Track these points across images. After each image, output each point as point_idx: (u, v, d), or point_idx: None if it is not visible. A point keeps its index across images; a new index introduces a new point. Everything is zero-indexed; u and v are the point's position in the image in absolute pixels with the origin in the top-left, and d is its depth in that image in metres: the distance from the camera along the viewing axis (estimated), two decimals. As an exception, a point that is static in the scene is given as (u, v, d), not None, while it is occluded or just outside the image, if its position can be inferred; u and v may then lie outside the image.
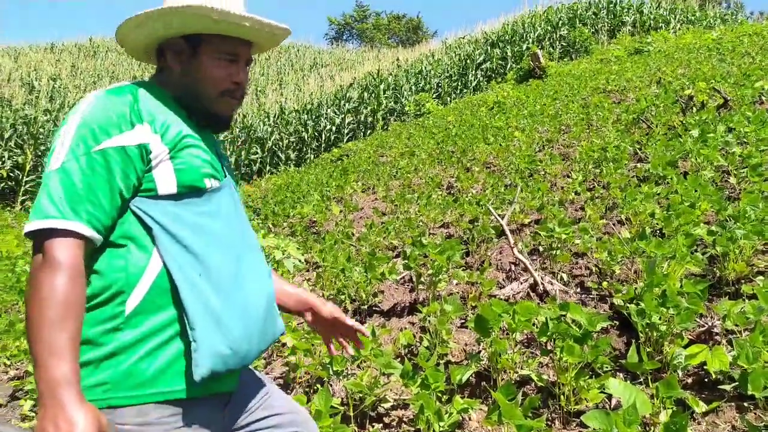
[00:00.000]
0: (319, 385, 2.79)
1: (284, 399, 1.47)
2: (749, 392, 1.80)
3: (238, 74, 1.32)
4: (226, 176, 1.35)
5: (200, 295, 1.18)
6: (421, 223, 5.55)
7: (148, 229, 1.18)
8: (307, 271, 4.95)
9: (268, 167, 19.27)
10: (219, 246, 1.24)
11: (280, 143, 19.70)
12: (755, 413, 2.05)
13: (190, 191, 1.22)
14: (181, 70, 1.30)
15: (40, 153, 16.97)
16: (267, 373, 3.19)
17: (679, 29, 19.52)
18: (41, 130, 17.29)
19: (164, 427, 1.14)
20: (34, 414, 3.39)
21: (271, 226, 7.53)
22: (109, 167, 1.13)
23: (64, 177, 1.10)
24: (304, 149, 19.84)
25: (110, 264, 1.15)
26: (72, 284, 1.06)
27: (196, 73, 1.29)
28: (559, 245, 3.85)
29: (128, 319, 1.13)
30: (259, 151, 19.40)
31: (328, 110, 20.56)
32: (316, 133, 20.02)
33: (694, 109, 6.98)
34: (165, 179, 1.19)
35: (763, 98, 6.65)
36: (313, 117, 20.42)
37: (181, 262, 1.18)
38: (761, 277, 2.91)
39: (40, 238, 1.08)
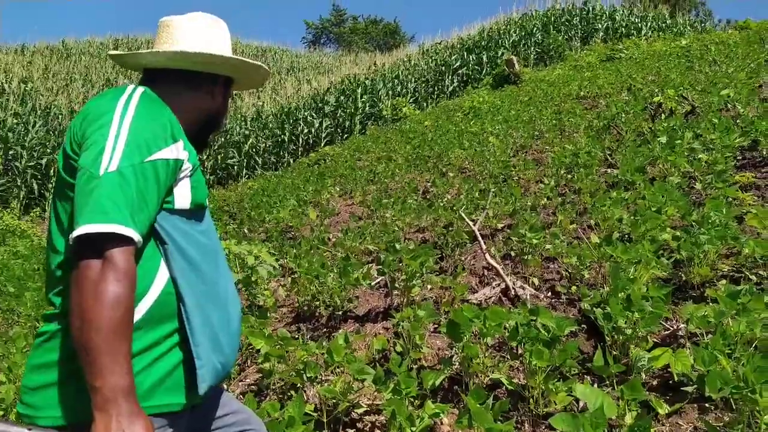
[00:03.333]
0: (293, 392, 2.80)
1: (234, 399, 1.54)
2: (707, 393, 1.87)
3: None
4: None
5: (203, 311, 1.21)
6: (396, 228, 5.58)
7: (161, 243, 1.19)
8: (282, 276, 4.95)
9: (244, 171, 19.15)
10: (213, 264, 1.28)
11: (257, 147, 19.60)
12: (715, 414, 2.12)
13: (196, 209, 1.27)
14: (217, 102, 1.45)
15: (10, 157, 16.63)
16: (241, 381, 3.19)
17: (651, 36, 19.94)
18: (11, 134, 16.94)
19: None
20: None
21: (246, 231, 7.50)
22: (158, 178, 1.15)
23: (123, 182, 1.09)
24: (282, 153, 19.77)
25: None
26: (132, 293, 1.07)
27: (222, 108, 1.47)
28: (530, 250, 3.92)
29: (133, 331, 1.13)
30: (236, 155, 19.28)
31: (306, 114, 20.53)
32: (293, 137, 19.97)
33: (663, 115, 7.15)
34: (182, 195, 1.23)
35: (728, 106, 6.84)
36: (291, 120, 20.38)
37: (189, 279, 1.21)
38: (724, 281, 3.00)
39: (98, 241, 1.05)
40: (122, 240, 1.07)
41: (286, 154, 19.62)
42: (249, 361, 3.38)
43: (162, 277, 1.19)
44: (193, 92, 1.41)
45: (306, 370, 2.61)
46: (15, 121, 17.75)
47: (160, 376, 1.17)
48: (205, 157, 18.85)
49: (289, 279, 4.53)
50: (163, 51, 1.34)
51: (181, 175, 1.23)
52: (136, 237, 1.09)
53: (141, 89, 1.25)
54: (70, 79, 26.44)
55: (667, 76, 10.15)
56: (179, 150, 1.21)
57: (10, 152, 16.67)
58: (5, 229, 12.27)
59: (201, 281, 1.23)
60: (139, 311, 1.15)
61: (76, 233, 1.05)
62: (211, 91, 1.43)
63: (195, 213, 1.28)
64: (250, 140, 19.54)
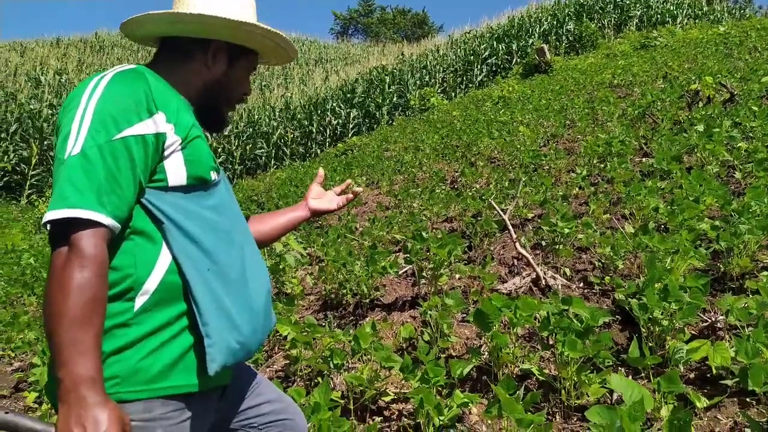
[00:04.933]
0: (319, 378, 2.79)
1: (272, 387, 1.50)
2: (750, 387, 1.79)
3: (249, 87, 1.43)
4: (220, 169, 1.35)
5: (212, 291, 1.17)
6: (424, 218, 5.54)
7: (158, 223, 1.15)
8: (310, 264, 4.95)
9: (273, 162, 19.29)
10: (226, 241, 1.23)
11: (285, 138, 19.70)
12: (757, 409, 2.03)
13: (197, 184, 1.20)
14: (217, 71, 1.34)
15: (45, 147, 17.04)
16: (268, 366, 3.20)
17: (686, 24, 19.37)
18: (45, 124, 17.35)
19: (168, 422, 1.13)
20: (37, 406, 3.41)
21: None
22: (131, 156, 1.09)
23: (86, 165, 1.04)
24: (310, 143, 19.85)
25: (119, 259, 1.12)
26: (99, 279, 1.03)
27: (229, 80, 1.36)
28: (562, 240, 3.83)
29: (137, 315, 1.11)
30: (264, 145, 19.43)
31: (334, 104, 20.55)
32: (321, 128, 20.03)
33: (700, 103, 6.93)
34: (176, 170, 1.17)
35: (770, 93, 6.59)
36: (319, 111, 20.43)
37: (192, 258, 1.16)
38: (765, 273, 2.89)
39: (64, 228, 1.03)
40: (88, 224, 1.03)
41: (313, 145, 19.70)
42: (276, 348, 3.38)
43: (165, 257, 1.15)
44: (186, 63, 1.31)
45: (332, 357, 2.60)
46: (50, 112, 18.16)
47: (174, 357, 1.14)
48: (234, 147, 19.05)
49: (317, 267, 4.52)
50: (150, 14, 1.25)
51: (169, 149, 1.16)
52: (106, 220, 1.04)
53: (118, 69, 1.19)
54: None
55: (704, 64, 9.84)
56: (159, 123, 1.13)
57: (45, 143, 17.07)
58: (42, 218, 12.59)
59: (207, 258, 1.18)
60: (146, 293, 1.12)
61: (43, 221, 1.04)
62: (205, 59, 1.32)
63: (197, 188, 1.21)
64: (279, 131, 19.66)
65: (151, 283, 1.13)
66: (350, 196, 1.75)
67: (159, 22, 1.28)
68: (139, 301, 1.12)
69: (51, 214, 1.02)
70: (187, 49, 1.31)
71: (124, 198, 1.08)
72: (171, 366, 1.13)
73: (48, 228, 1.06)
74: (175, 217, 1.16)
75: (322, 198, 1.74)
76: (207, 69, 1.32)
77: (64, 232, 1.03)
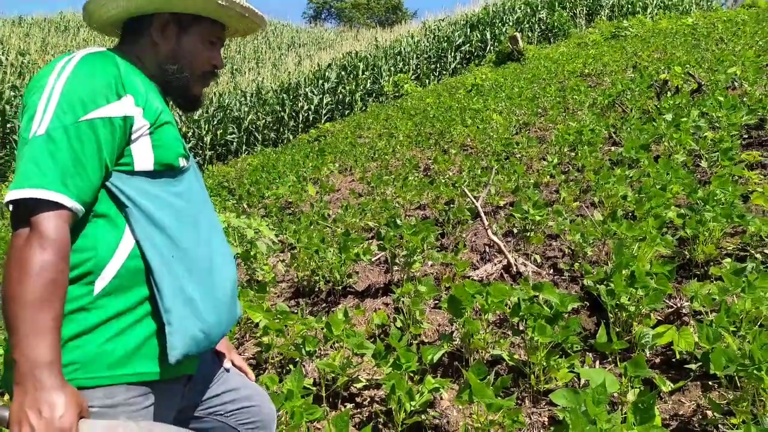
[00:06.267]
0: (291, 366, 2.78)
1: (240, 376, 1.48)
2: (712, 371, 1.83)
3: (217, 58, 1.35)
4: (190, 155, 1.32)
5: (175, 278, 1.15)
6: (397, 205, 5.54)
7: (122, 207, 1.13)
8: (282, 252, 4.91)
9: (244, 147, 19.04)
10: (192, 228, 1.21)
11: (257, 123, 19.46)
12: (719, 392, 2.10)
13: (164, 170, 1.18)
14: (166, 46, 1.28)
15: (8, 130, 16.52)
16: (239, 354, 3.17)
17: (656, 14, 19.66)
18: (8, 106, 16.81)
19: (130, 408, 1.12)
20: None
21: (245, 206, 7.45)
22: (98, 139, 1.07)
23: (51, 145, 1.03)
24: (282, 129, 19.65)
25: (79, 242, 1.10)
26: (60, 262, 1.01)
27: (183, 52, 1.29)
28: (533, 227, 3.88)
29: (96, 299, 1.09)
30: (235, 130, 19.16)
31: (307, 90, 20.35)
32: (293, 113, 19.83)
33: (669, 93, 7.05)
34: (142, 155, 1.15)
35: (735, 84, 6.74)
36: (291, 97, 20.22)
37: (156, 243, 1.14)
38: (729, 260, 2.96)
39: (25, 208, 1.01)
40: (51, 206, 1.01)
41: (286, 131, 19.50)
42: (248, 335, 3.36)
43: (127, 242, 1.13)
44: (139, 41, 1.28)
45: (305, 345, 2.59)
46: (12, 93, 17.60)
47: (137, 343, 1.12)
48: (204, 132, 18.75)
49: (289, 254, 4.49)
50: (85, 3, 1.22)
51: (137, 133, 1.14)
52: (69, 203, 1.03)
53: (87, 51, 1.16)
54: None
55: (673, 54, 10.01)
56: (127, 106, 1.12)
57: (8, 125, 16.56)
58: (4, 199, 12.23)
59: (172, 245, 1.16)
60: (106, 277, 1.10)
61: (5, 201, 1.01)
62: (151, 36, 1.27)
63: (164, 174, 1.19)
64: (250, 116, 19.40)
65: (112, 268, 1.11)
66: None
67: (106, 4, 1.24)
68: (99, 285, 1.10)
69: (13, 194, 1.01)
70: (139, 28, 1.28)
71: (89, 181, 1.06)
72: (133, 352, 1.12)
73: (10, 208, 1.03)
74: (139, 201, 1.14)
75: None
76: (156, 45, 1.28)
77: (25, 212, 1.01)
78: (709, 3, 22.60)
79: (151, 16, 1.26)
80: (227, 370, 1.44)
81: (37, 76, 1.13)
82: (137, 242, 1.13)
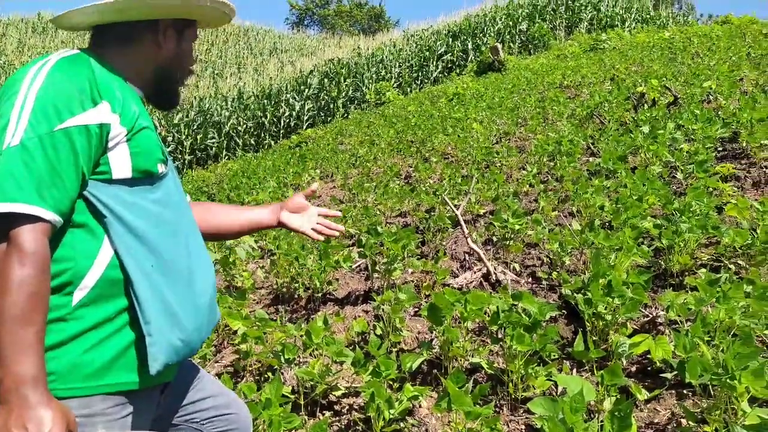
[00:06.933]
0: (270, 374, 2.76)
1: (215, 382, 1.48)
2: (687, 380, 1.86)
3: (193, 56, 1.37)
4: (168, 160, 1.30)
5: (155, 288, 1.13)
6: (378, 212, 5.54)
7: (100, 216, 1.11)
8: (261, 258, 4.88)
9: (224, 152, 18.90)
10: (171, 236, 1.19)
11: (238, 128, 19.34)
12: (693, 400, 2.13)
13: (143, 177, 1.16)
14: (169, 49, 1.28)
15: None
16: (217, 362, 3.14)
17: (634, 28, 20.04)
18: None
19: (108, 418, 1.10)
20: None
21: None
22: (74, 148, 1.04)
23: (26, 156, 0.99)
24: (263, 135, 19.55)
25: (59, 252, 1.07)
26: (40, 275, 0.99)
27: (177, 55, 1.30)
28: (512, 236, 3.91)
29: (74, 310, 1.07)
30: (215, 135, 19.01)
31: (288, 96, 20.29)
32: (275, 119, 19.75)
33: (646, 105, 7.18)
34: (120, 163, 1.12)
35: (710, 97, 6.89)
36: (273, 102, 20.14)
37: (135, 253, 1.12)
38: (704, 270, 3.02)
39: (2, 223, 0.98)
40: (28, 219, 0.99)
41: (267, 136, 19.41)
42: (226, 342, 3.32)
43: (106, 251, 1.11)
44: (137, 46, 1.25)
45: (284, 352, 2.57)
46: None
47: (114, 354, 1.11)
48: (183, 136, 18.58)
49: (268, 260, 4.46)
50: (83, 7, 1.18)
51: (113, 141, 1.11)
52: (47, 215, 1.01)
53: (61, 54, 1.13)
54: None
55: (650, 67, 10.20)
56: (104, 113, 1.09)
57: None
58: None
59: (151, 254, 1.14)
60: (85, 288, 1.08)
61: None
62: (156, 40, 1.26)
63: (143, 181, 1.16)
64: (231, 121, 19.28)
65: (91, 278, 1.09)
66: (332, 233, 1.62)
67: (105, 13, 1.20)
68: (78, 295, 1.08)
69: None
70: (136, 33, 1.25)
71: (66, 191, 1.04)
72: (111, 363, 1.10)
73: None
74: (117, 210, 1.11)
75: (301, 214, 1.62)
76: (159, 48, 1.27)
77: (3, 227, 0.99)
78: (685, 18, 23.12)
79: (146, 20, 1.25)
80: (200, 377, 1.43)
81: (10, 81, 1.09)
82: (116, 252, 1.11)
